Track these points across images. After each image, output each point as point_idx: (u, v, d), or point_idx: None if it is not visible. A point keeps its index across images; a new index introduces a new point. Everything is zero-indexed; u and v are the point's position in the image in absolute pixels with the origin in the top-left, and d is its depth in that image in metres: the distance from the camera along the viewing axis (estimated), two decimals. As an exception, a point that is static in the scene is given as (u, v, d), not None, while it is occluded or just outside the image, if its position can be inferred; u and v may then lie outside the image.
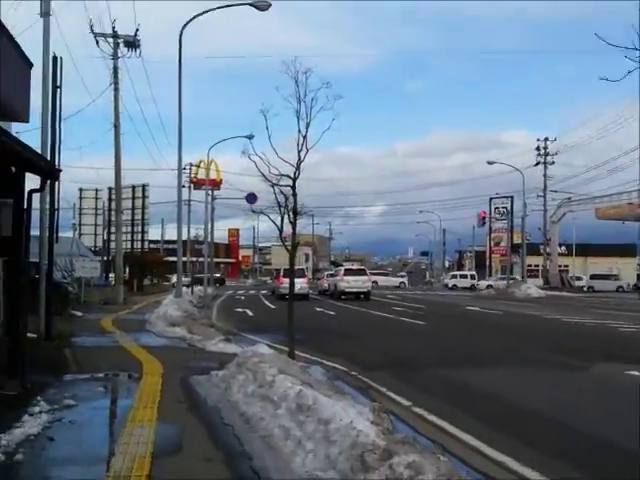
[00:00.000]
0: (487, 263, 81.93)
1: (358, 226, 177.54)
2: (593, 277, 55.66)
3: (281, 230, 8.81)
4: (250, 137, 39.33)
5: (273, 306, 27.95)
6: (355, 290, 33.68)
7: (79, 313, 19.08)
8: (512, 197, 73.57)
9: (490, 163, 49.55)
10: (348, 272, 34.38)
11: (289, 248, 8.82)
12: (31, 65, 16.05)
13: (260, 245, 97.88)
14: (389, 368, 10.28)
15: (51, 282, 12.25)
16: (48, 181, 7.57)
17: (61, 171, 10.22)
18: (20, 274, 7.67)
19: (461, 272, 73.82)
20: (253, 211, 8.66)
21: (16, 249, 7.51)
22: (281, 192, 9.06)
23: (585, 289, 53.97)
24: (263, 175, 8.81)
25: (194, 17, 20.42)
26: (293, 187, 8.83)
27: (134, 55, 26.73)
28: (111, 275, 37.43)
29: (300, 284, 32.93)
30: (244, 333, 15.66)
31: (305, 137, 8.77)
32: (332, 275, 39.07)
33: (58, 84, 12.34)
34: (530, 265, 72.52)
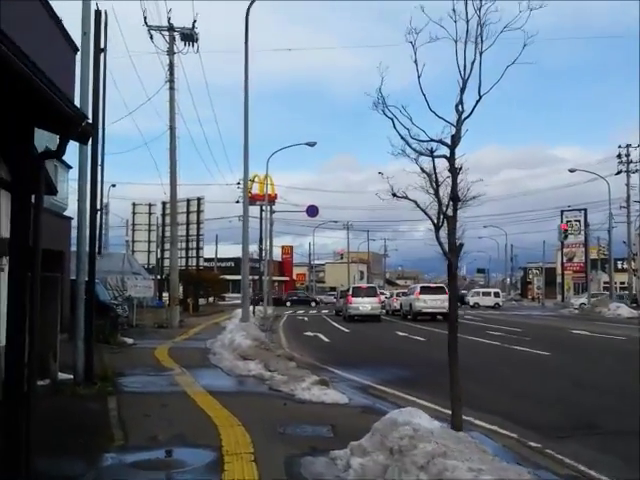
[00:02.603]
0: (559, 280, 77.08)
1: (408, 242, 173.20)
2: (685, 294, 50.45)
3: (438, 226, 5.55)
4: (312, 144, 36.98)
5: (346, 329, 24.63)
6: (433, 310, 30.12)
7: (130, 340, 16.24)
8: (585, 209, 69.09)
9: (572, 171, 45.55)
10: (425, 290, 30.84)
11: (446, 252, 5.53)
12: (76, 49, 13.45)
13: (313, 262, 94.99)
14: (579, 433, 6.87)
15: (92, 304, 9.31)
16: (72, 141, 4.46)
17: (92, 126, 7.21)
18: (25, 294, 4.65)
19: (484, 289, 68.36)
20: (394, 195, 5.31)
21: (23, 256, 4.49)
22: (422, 170, 5.82)
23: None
24: (403, 139, 5.60)
25: (261, -5, 17.59)
26: (451, 158, 5.59)
27: (191, 50, 24.22)
28: (165, 295, 34.98)
29: (371, 304, 29.89)
30: (332, 367, 12.41)
31: (469, 75, 5.55)
32: (404, 294, 35.58)
33: (102, 46, 9.48)
34: (607, 282, 67.49)
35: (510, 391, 9.95)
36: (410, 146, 5.63)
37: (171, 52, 23.93)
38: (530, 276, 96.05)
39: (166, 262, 34.98)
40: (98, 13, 9.31)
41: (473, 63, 5.59)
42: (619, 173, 52.16)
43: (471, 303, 56.98)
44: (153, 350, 14.48)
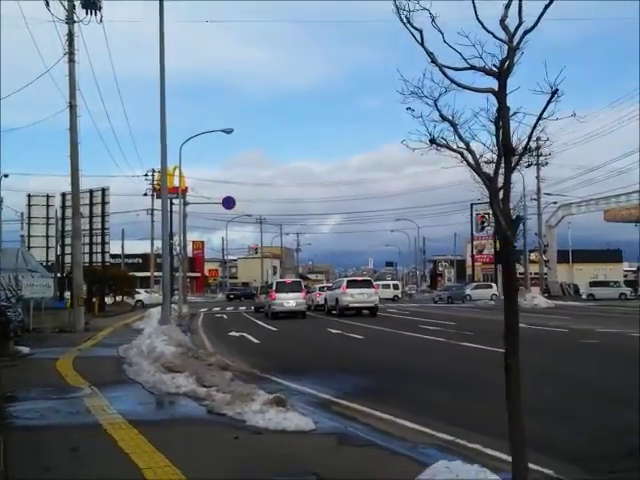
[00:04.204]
0: (469, 272, 78.15)
1: (319, 235, 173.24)
2: (593, 284, 51.93)
3: (496, 188, 3.85)
4: (228, 131, 34.70)
5: (273, 328, 22.71)
6: (360, 305, 28.76)
7: (25, 349, 13.66)
8: (495, 202, 70.20)
9: (487, 163, 45.32)
10: (352, 284, 29.38)
11: (502, 226, 3.82)
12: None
13: (226, 258, 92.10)
14: (628, 464, 5.36)
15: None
16: None
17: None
18: None
19: (383, 282, 62.91)
20: (433, 141, 3.47)
21: None
22: (443, 118, 4.11)
23: (584, 297, 50.18)
24: (434, 63, 3.85)
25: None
26: (500, 92, 3.89)
27: (94, 20, 21.49)
28: (67, 295, 31.72)
29: (296, 300, 28.25)
30: (275, 376, 10.54)
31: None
32: (329, 288, 34.04)
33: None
34: (521, 273, 69.02)
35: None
36: (445, 74, 3.87)
37: (71, 20, 21.10)
38: (440, 268, 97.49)
39: (67, 259, 31.74)
40: None
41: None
42: (529, 166, 52.51)
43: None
44: (54, 361, 12.03)
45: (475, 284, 62.43)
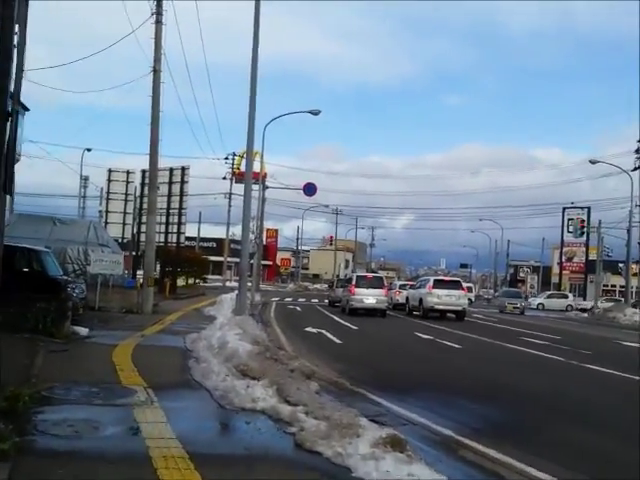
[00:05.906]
0: (554, 280, 73.43)
1: (391, 232, 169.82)
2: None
3: None
4: (316, 113, 32.85)
5: (352, 326, 20.60)
6: (446, 307, 26.30)
7: (84, 331, 12.07)
8: (589, 208, 65.57)
9: (593, 162, 41.93)
10: (439, 284, 26.87)
11: None
12: None
13: (300, 248, 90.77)
14: None
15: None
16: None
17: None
18: None
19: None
20: None
21: None
22: None
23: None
24: None
25: None
26: None
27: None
28: (140, 274, 30.77)
29: (377, 297, 26.03)
30: (370, 392, 8.42)
31: None
32: (413, 287, 31.63)
33: None
34: (607, 285, 64.40)
35: None
36: None
37: (159, -21, 19.63)
38: (521, 274, 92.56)
39: (143, 237, 30.82)
40: None
41: None
42: (636, 169, 48.60)
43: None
44: (112, 348, 10.38)
45: (549, 293, 59.08)
